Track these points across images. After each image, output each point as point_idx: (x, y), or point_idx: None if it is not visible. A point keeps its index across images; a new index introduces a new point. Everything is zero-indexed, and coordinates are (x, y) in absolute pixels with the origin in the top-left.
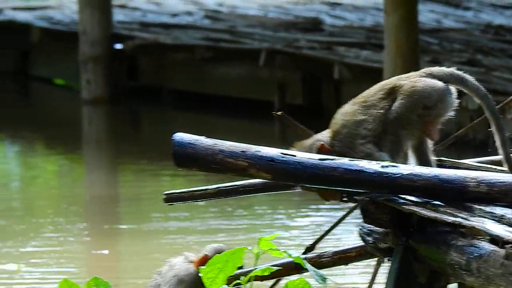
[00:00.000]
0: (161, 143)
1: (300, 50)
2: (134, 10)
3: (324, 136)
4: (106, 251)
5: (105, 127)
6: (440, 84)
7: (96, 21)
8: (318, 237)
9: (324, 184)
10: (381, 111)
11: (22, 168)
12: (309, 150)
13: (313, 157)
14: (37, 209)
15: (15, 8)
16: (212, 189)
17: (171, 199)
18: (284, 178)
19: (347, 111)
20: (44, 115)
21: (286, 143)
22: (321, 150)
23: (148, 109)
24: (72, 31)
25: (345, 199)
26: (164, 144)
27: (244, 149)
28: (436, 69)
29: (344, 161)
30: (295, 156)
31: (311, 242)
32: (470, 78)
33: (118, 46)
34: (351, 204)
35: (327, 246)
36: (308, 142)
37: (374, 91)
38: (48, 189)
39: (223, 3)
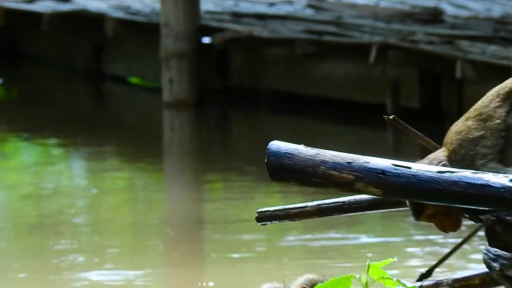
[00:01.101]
0: (255, 153)
1: (417, 44)
2: None
3: (440, 154)
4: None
5: (190, 134)
6: None
7: (181, 11)
8: (435, 262)
9: (443, 201)
10: (499, 121)
11: (94, 182)
12: None
13: (430, 170)
14: (112, 229)
15: None
16: (311, 206)
17: (264, 218)
18: (396, 194)
19: (460, 129)
20: (119, 120)
21: (399, 153)
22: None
23: (241, 114)
24: (152, 22)
25: (468, 217)
26: (258, 155)
27: (350, 160)
28: None
29: (466, 174)
30: (409, 168)
31: (426, 268)
32: None
33: (206, 40)
34: (475, 225)
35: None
36: (425, 161)
37: (489, 99)
38: (123, 208)
39: None
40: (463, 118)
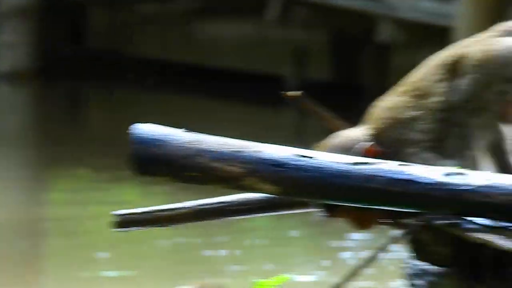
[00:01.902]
0: (116, 139)
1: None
2: None
3: (363, 134)
4: None
5: (32, 116)
6: None
7: None
8: (342, 279)
9: (356, 201)
10: (440, 99)
11: None
12: (343, 153)
13: (341, 161)
14: None
15: None
16: (188, 208)
17: (124, 222)
18: (297, 192)
19: (390, 106)
20: None
21: (305, 139)
22: (368, 155)
23: (99, 88)
24: None
25: (386, 222)
26: (121, 142)
27: (239, 149)
28: None
29: (387, 167)
30: (314, 158)
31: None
32: None
33: None
34: (395, 232)
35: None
36: (342, 141)
37: (429, 71)
38: None
39: None
40: (393, 92)
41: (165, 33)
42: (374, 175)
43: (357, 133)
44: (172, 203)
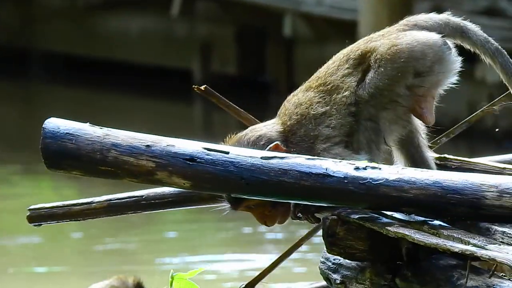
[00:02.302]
0: (25, 134)
1: None
2: None
3: (272, 130)
4: None
5: None
6: (434, 37)
7: None
8: (257, 274)
9: (270, 195)
10: (349, 93)
11: None
12: (252, 148)
13: (254, 155)
14: None
15: None
16: (99, 202)
17: (38, 217)
18: (210, 186)
19: (300, 101)
20: None
21: (215, 133)
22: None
23: (7, 82)
24: None
25: (300, 216)
26: (30, 136)
27: (149, 143)
28: (423, 17)
29: (299, 161)
30: (227, 153)
31: (248, 280)
32: (473, 27)
33: None
34: (310, 225)
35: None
36: (250, 136)
37: (336, 65)
38: None
39: None
40: (303, 87)
41: (70, 27)
42: (287, 170)
43: (266, 129)
44: (86, 197)
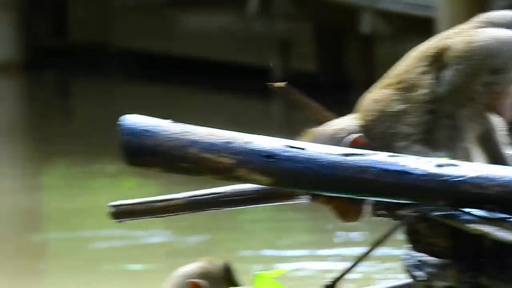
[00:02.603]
0: (105, 130)
1: None
2: None
3: (351, 124)
4: None
5: (19, 107)
6: (510, 34)
7: None
8: (340, 273)
9: (348, 192)
10: (426, 91)
11: None
12: (331, 143)
13: (333, 152)
14: None
15: None
16: (180, 199)
17: (120, 213)
18: (289, 183)
19: (378, 98)
20: None
21: (291, 131)
22: (355, 146)
23: (85, 79)
24: None
25: (381, 214)
26: (109, 132)
27: (229, 140)
28: (498, 15)
29: (380, 158)
30: (305, 149)
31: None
32: None
33: None
34: (391, 223)
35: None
36: (328, 130)
37: (413, 63)
38: None
39: None
40: (380, 84)
41: (148, 23)
42: (366, 166)
43: (345, 123)
44: (166, 194)
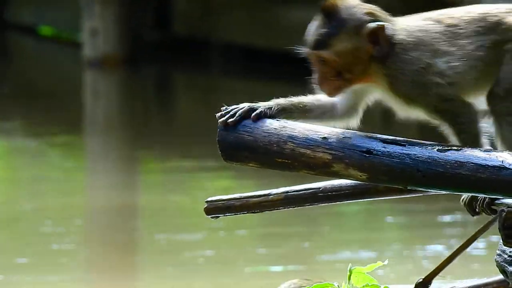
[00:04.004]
0: (203, 125)
1: None
2: None
3: (389, 20)
4: None
5: (119, 101)
6: None
7: None
8: (434, 268)
9: (446, 188)
10: (478, 52)
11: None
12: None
13: (430, 147)
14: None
15: None
16: (276, 194)
17: (215, 209)
18: (386, 179)
19: (424, 28)
20: (27, 84)
21: (391, 125)
22: (373, 36)
23: (185, 73)
24: None
25: (477, 210)
26: (208, 128)
27: (326, 135)
28: None
29: (475, 153)
30: (403, 145)
31: (425, 274)
32: None
33: None
34: (486, 218)
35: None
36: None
37: (470, 18)
38: (34, 198)
39: None
40: (429, 16)
41: (250, 18)
42: (463, 162)
43: (377, 13)
44: (263, 189)
